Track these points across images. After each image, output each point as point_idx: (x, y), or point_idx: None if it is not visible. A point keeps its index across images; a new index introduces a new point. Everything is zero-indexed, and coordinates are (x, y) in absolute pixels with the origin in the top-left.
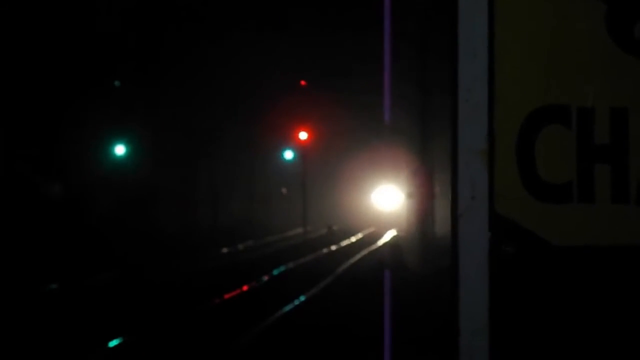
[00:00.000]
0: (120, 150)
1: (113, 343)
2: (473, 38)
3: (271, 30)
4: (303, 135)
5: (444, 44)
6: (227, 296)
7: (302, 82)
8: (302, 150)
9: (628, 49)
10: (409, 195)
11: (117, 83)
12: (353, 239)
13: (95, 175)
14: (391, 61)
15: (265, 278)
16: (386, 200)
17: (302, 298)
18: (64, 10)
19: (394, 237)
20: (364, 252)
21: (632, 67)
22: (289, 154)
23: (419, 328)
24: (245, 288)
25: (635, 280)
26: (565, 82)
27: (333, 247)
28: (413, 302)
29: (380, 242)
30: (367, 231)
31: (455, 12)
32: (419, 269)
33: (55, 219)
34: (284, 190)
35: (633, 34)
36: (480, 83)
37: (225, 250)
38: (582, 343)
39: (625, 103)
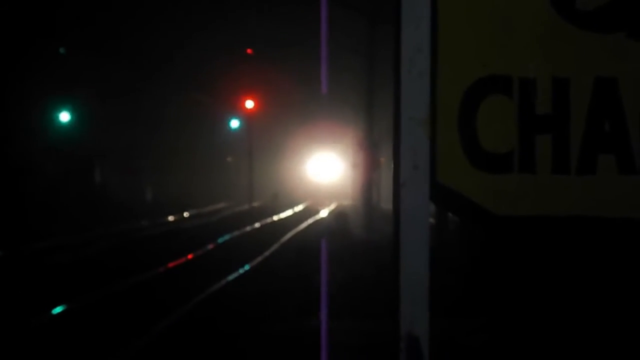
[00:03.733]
0: (65, 117)
1: (57, 310)
2: (416, 8)
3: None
4: (249, 104)
5: (390, 14)
6: (171, 264)
7: (249, 50)
8: (249, 119)
9: (570, 19)
10: (354, 165)
11: (62, 50)
12: (296, 209)
13: (40, 143)
14: (327, 32)
15: (210, 247)
16: (325, 170)
17: (247, 266)
18: None
19: (338, 206)
20: (309, 220)
21: (574, 37)
22: (235, 123)
23: (364, 294)
24: (190, 256)
25: (574, 250)
26: (508, 52)
27: (276, 217)
28: (357, 269)
29: (323, 210)
30: (308, 202)
31: None
32: (364, 236)
33: None
34: (229, 159)
35: (575, 4)
36: (423, 53)
37: (171, 218)
38: (519, 307)
39: (567, 73)
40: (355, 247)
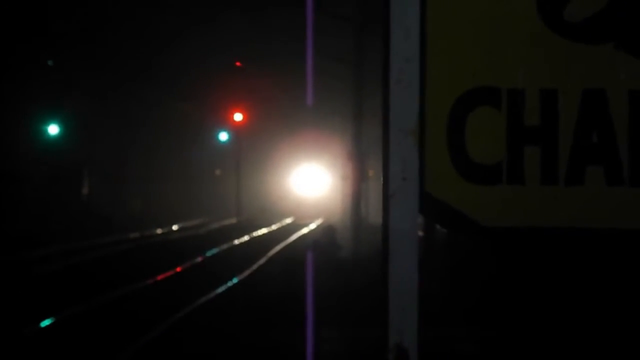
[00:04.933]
0: (53, 130)
1: (45, 322)
2: (405, 18)
3: (206, 12)
4: (238, 117)
5: (379, 24)
6: (160, 277)
7: (238, 63)
8: (237, 132)
9: (558, 30)
10: (344, 177)
11: (50, 62)
12: (284, 222)
13: (28, 153)
14: (314, 43)
15: (199, 259)
16: (313, 183)
17: (235, 280)
18: None
19: (326, 219)
20: (297, 234)
21: (562, 48)
22: (223, 136)
23: (352, 305)
24: (178, 269)
25: (562, 260)
26: (496, 64)
27: (264, 231)
28: (346, 280)
29: (311, 223)
30: (295, 216)
31: None
32: (352, 248)
33: None
34: (217, 171)
35: (563, 15)
36: (412, 63)
37: (159, 230)
38: (509, 315)
39: (555, 84)
40: (343, 260)
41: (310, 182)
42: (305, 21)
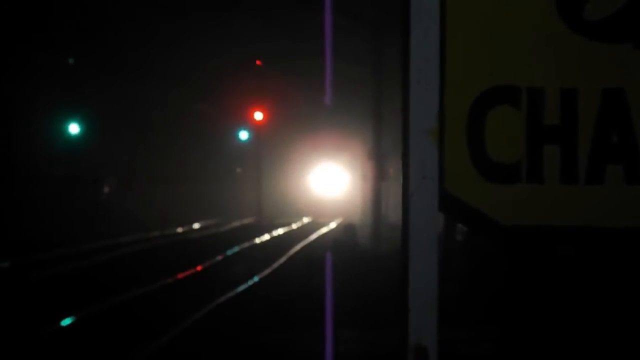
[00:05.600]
0: (74, 129)
1: (65, 318)
2: (424, 17)
3: (226, 9)
4: (258, 116)
5: (397, 24)
6: (180, 275)
7: (258, 62)
8: (257, 131)
9: (578, 29)
10: (364, 177)
11: (70, 61)
12: (304, 221)
13: (48, 153)
14: (332, 43)
15: (219, 258)
16: (333, 182)
17: (256, 278)
18: None
19: (346, 218)
20: (318, 233)
21: (581, 47)
22: (244, 135)
23: (375, 305)
24: (199, 268)
25: (582, 260)
26: (516, 62)
27: (284, 230)
28: (366, 279)
29: (332, 222)
30: (315, 215)
31: None
32: (373, 248)
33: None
34: (238, 169)
35: (582, 14)
36: (431, 63)
37: (179, 229)
38: (526, 316)
39: (575, 84)
40: (363, 258)
41: (330, 181)
42: (323, 21)
